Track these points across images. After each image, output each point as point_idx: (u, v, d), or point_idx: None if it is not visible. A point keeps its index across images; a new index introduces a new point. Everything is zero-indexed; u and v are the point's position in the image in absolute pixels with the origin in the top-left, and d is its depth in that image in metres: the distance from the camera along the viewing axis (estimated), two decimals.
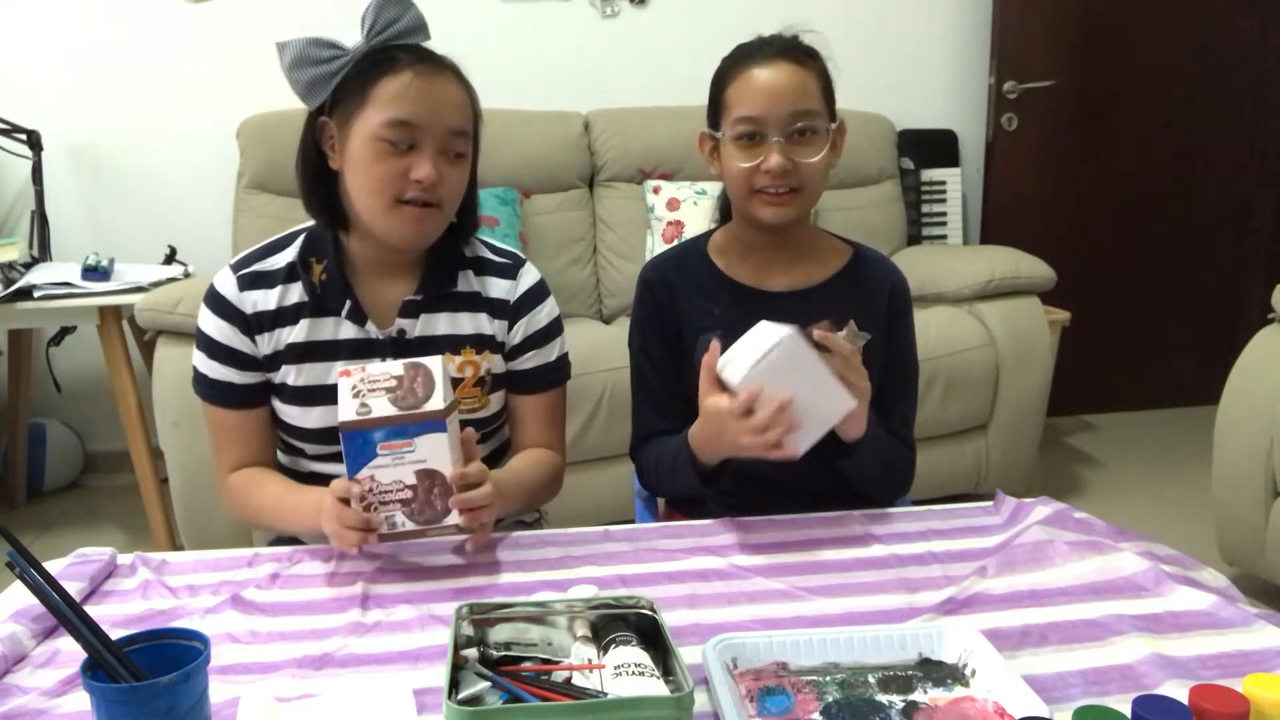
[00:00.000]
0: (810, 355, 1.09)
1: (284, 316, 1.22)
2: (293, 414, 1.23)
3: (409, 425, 1.03)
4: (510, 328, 1.29)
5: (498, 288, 1.29)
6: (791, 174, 1.21)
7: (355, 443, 1.04)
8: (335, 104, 1.17)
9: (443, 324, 1.26)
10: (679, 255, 1.38)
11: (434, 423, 1.03)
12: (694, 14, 3.22)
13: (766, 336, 1.10)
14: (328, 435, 1.22)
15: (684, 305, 1.33)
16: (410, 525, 1.07)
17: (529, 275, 1.32)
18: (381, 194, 1.15)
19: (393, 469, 1.04)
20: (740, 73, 1.24)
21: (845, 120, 1.27)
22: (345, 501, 1.05)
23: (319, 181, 1.21)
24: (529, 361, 1.30)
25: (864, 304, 1.30)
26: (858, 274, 1.33)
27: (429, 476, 1.05)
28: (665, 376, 1.35)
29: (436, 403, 1.04)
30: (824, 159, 1.23)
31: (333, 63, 1.15)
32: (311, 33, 1.17)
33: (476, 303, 1.28)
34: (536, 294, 1.31)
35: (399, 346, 1.24)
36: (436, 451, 1.04)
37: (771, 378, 1.08)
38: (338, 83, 1.16)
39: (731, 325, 1.29)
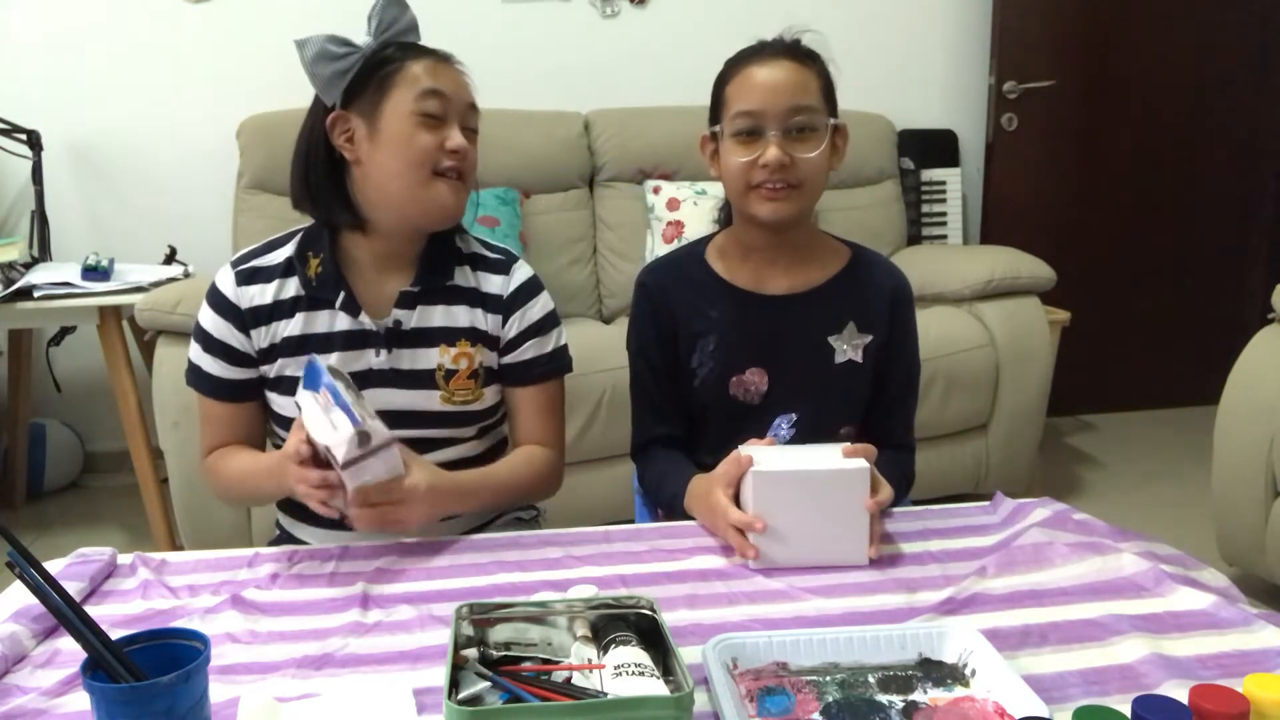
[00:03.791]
0: (859, 498, 1.05)
1: (280, 310, 1.25)
2: (289, 406, 1.24)
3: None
4: (505, 322, 1.30)
5: (492, 283, 1.30)
6: (789, 169, 1.21)
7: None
8: (352, 97, 1.21)
9: (438, 316, 1.27)
10: (676, 259, 1.38)
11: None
12: (694, 14, 3.22)
13: (828, 459, 1.07)
14: None
15: (680, 309, 1.32)
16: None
17: (521, 271, 1.33)
18: (421, 167, 1.20)
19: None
20: (740, 71, 1.24)
21: (846, 120, 1.27)
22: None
23: (325, 176, 1.24)
24: (527, 352, 1.31)
25: (863, 306, 1.30)
26: (857, 275, 1.33)
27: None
28: (662, 381, 1.35)
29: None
30: (823, 157, 1.23)
31: (347, 59, 1.20)
32: (310, 32, 1.21)
33: (472, 297, 1.29)
34: (529, 289, 1.32)
35: (393, 337, 1.25)
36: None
37: (807, 495, 1.05)
38: (352, 78, 1.21)
39: (728, 329, 1.29)
